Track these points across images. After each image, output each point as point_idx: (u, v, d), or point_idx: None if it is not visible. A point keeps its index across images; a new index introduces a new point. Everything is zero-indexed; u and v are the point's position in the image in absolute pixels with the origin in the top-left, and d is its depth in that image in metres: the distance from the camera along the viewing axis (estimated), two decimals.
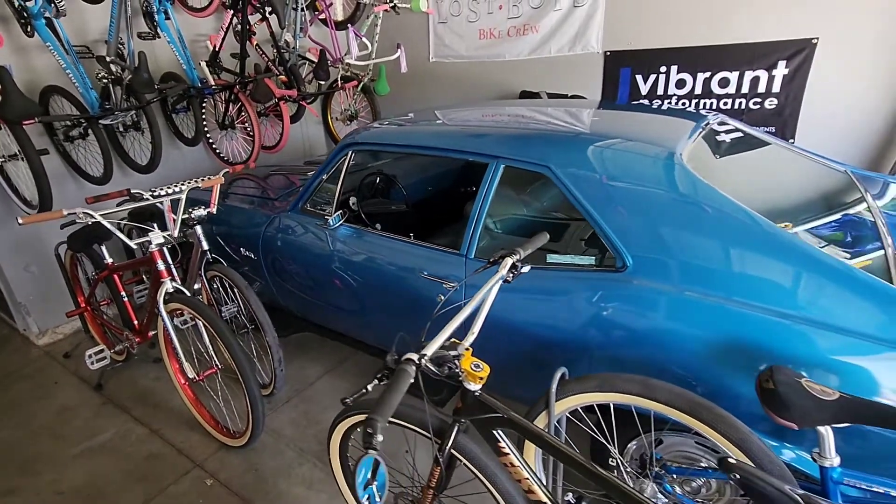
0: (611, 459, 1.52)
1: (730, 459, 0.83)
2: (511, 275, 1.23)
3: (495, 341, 1.74)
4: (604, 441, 1.43)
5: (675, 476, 1.38)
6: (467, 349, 1.09)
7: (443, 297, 1.84)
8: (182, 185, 2.18)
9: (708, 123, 1.94)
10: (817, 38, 2.85)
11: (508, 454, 1.13)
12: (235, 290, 2.26)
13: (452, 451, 1.21)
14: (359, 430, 1.47)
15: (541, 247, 1.79)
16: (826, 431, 1.03)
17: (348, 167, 2.22)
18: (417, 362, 0.90)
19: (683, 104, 3.35)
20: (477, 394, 1.12)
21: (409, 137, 2.05)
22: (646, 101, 3.46)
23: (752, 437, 1.13)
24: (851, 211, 1.73)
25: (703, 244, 1.38)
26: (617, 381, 1.27)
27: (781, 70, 2.99)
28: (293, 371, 2.71)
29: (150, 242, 2.00)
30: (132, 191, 2.11)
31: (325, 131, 4.73)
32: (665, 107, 2.63)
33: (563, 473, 1.41)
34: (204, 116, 3.65)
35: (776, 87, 3.05)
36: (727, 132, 2.12)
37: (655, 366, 1.42)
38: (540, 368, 1.68)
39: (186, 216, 2.22)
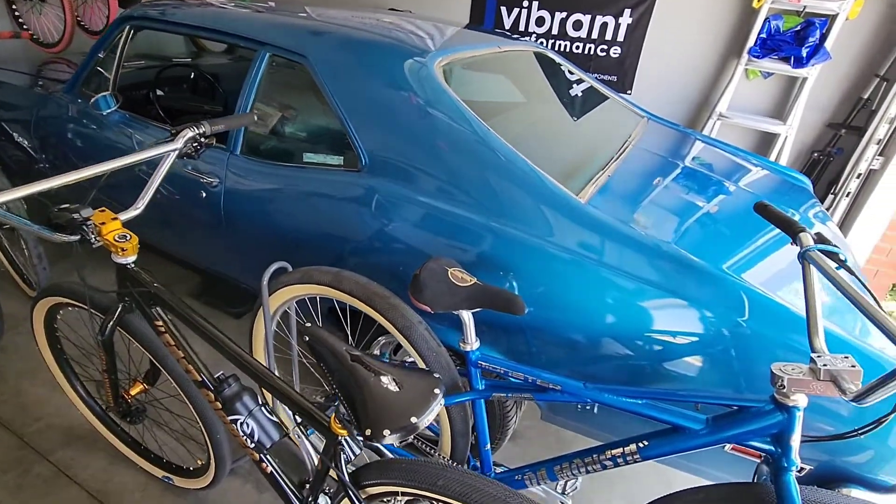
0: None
1: (307, 325, 0.84)
2: (193, 148, 1.14)
3: (264, 239, 1.67)
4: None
5: None
6: (115, 219, 1.00)
7: (204, 194, 1.72)
8: None
9: (510, 49, 1.92)
10: None
11: (165, 332, 1.08)
12: None
13: (119, 328, 1.15)
14: (62, 311, 1.36)
15: (304, 146, 1.72)
16: (468, 318, 1.09)
17: (126, 45, 1.96)
18: None
19: (541, 42, 3.35)
20: (129, 267, 1.05)
21: (188, 17, 1.83)
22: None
23: (417, 326, 1.17)
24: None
25: (431, 150, 1.37)
26: (314, 273, 1.26)
27: (627, 18, 3.06)
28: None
29: None
30: None
31: None
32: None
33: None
34: None
35: (621, 36, 3.13)
36: (557, 67, 2.15)
37: (387, 266, 1.43)
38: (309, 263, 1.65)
39: None
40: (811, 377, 0.77)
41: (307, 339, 0.82)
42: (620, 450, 0.99)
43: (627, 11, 3.04)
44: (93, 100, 1.89)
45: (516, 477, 1.16)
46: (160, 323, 1.08)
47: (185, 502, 1.50)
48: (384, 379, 0.78)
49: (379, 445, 0.96)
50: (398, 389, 0.77)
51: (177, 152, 1.11)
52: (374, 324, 1.48)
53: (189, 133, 1.12)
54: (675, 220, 1.36)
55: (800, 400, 0.80)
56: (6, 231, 2.21)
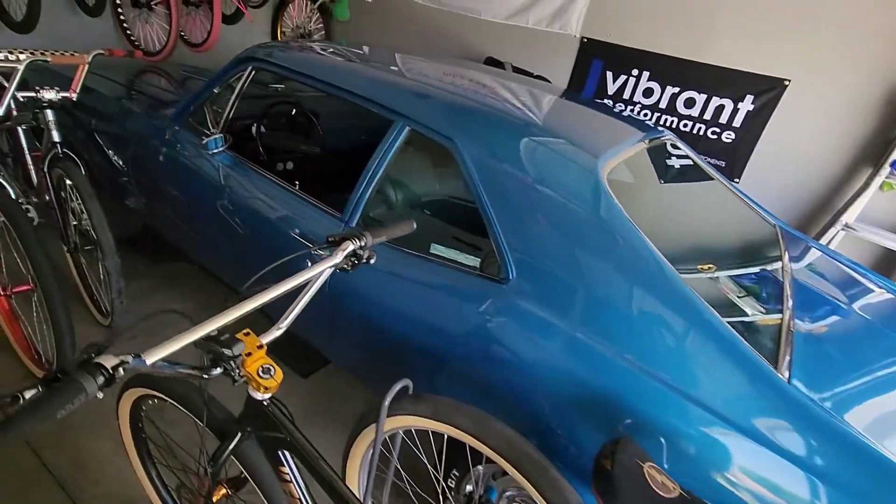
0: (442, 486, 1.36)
1: None
2: (350, 263, 0.98)
3: (369, 328, 1.51)
4: (430, 466, 1.25)
5: None
6: (260, 347, 0.84)
7: (311, 263, 1.57)
8: (25, 53, 1.74)
9: (653, 138, 1.73)
10: (789, 81, 2.72)
11: (290, 482, 0.91)
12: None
13: (232, 456, 0.98)
14: (151, 402, 1.21)
15: (432, 234, 1.56)
16: None
17: (245, 85, 1.85)
18: (107, 374, 0.63)
19: (645, 115, 3.17)
20: (265, 404, 0.88)
21: (318, 68, 1.72)
22: (609, 102, 3.25)
23: None
24: (769, 267, 1.61)
25: (596, 276, 1.19)
26: (453, 412, 1.07)
27: (747, 105, 2.86)
28: (155, 304, 2.37)
29: None
30: None
31: None
32: (626, 113, 2.42)
33: None
34: None
35: (737, 122, 2.92)
36: (678, 157, 1.94)
37: (514, 396, 1.24)
38: (402, 365, 1.48)
39: (34, 95, 1.81)
40: None
41: None
42: None
43: (750, 98, 2.84)
44: (205, 141, 1.78)
45: None
46: (286, 471, 0.91)
47: None
48: None
49: None
50: None
51: (334, 269, 0.95)
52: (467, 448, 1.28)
53: (350, 246, 0.96)
54: (881, 410, 1.13)
55: None
56: (86, 251, 2.11)
